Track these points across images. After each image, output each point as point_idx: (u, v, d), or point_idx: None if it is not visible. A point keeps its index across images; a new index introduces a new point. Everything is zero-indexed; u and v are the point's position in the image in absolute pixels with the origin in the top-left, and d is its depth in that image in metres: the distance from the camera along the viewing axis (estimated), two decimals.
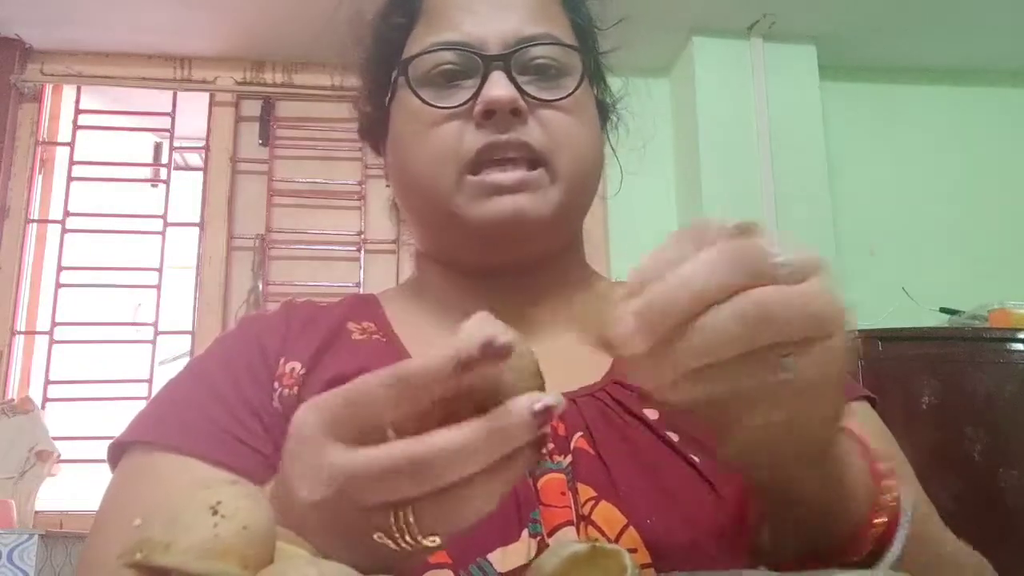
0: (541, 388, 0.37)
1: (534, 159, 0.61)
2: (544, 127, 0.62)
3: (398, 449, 0.34)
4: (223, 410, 0.58)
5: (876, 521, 0.42)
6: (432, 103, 0.63)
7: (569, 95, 0.63)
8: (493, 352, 0.34)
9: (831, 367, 0.37)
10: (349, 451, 0.35)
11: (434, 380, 0.35)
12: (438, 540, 0.36)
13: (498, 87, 0.60)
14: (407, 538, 0.35)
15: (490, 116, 0.61)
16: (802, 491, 0.42)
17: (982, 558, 0.54)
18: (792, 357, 0.35)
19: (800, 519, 0.44)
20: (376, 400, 0.36)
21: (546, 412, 0.34)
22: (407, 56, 0.65)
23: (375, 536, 0.35)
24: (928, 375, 1.84)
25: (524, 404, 0.34)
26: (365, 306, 0.70)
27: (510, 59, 0.62)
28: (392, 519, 0.35)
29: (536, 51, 0.63)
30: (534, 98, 0.62)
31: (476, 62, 0.62)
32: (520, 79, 0.62)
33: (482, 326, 0.37)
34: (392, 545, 0.35)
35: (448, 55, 0.63)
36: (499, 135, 0.61)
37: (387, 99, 0.69)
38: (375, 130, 0.72)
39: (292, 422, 0.38)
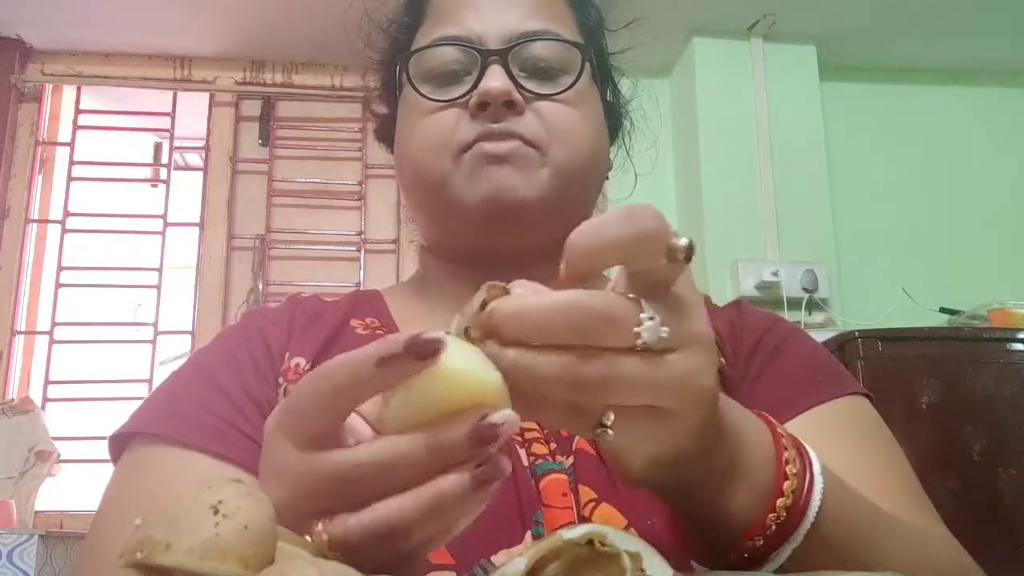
0: (504, 401, 0.34)
1: (527, 144, 0.62)
2: (542, 119, 0.63)
3: (331, 462, 0.34)
4: (225, 402, 0.58)
5: (768, 519, 0.40)
6: (430, 96, 0.64)
7: (566, 89, 0.64)
8: (419, 349, 0.32)
9: (672, 441, 0.36)
10: (301, 456, 0.35)
11: (356, 381, 0.33)
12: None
13: (493, 79, 0.61)
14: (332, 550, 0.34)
15: (484, 107, 0.61)
16: (684, 502, 0.41)
17: (952, 552, 0.52)
18: (609, 426, 0.34)
19: (691, 521, 0.43)
20: (308, 408, 0.35)
21: (489, 430, 0.32)
22: (409, 51, 0.67)
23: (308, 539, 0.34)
24: (928, 375, 1.84)
25: (468, 419, 0.33)
26: (369, 302, 0.71)
27: (507, 54, 0.63)
28: (322, 526, 0.34)
29: (536, 47, 0.64)
30: (530, 91, 0.63)
31: (475, 57, 0.63)
32: (519, 74, 0.63)
33: (484, 294, 0.35)
34: (326, 553, 0.34)
35: (450, 51, 0.64)
36: (492, 124, 0.62)
37: (396, 95, 0.70)
38: (388, 130, 0.73)
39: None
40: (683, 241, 0.34)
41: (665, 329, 0.34)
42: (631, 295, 0.35)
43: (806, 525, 0.40)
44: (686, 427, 0.36)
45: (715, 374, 0.37)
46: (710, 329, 0.37)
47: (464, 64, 0.64)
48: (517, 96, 0.62)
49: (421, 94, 0.64)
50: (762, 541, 0.40)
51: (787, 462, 0.40)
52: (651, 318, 0.34)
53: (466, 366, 0.33)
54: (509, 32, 0.64)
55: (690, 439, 0.37)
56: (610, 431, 0.34)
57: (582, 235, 0.34)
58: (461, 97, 0.63)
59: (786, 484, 0.40)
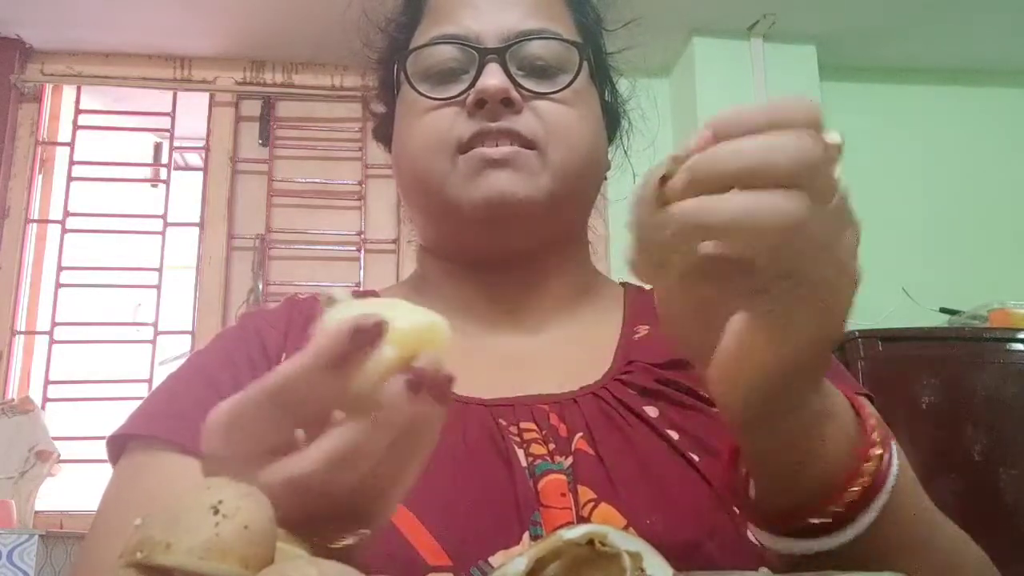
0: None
1: (526, 145, 0.62)
2: (540, 118, 0.63)
3: (279, 471, 0.34)
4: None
5: (851, 488, 0.40)
6: (427, 94, 0.64)
7: (564, 88, 0.64)
8: (366, 334, 0.33)
9: (839, 268, 0.36)
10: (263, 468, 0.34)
11: (307, 385, 0.34)
12: (351, 540, 0.35)
13: (491, 78, 0.61)
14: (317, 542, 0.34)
15: (481, 105, 0.61)
16: (780, 437, 0.41)
17: (982, 553, 0.53)
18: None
19: (777, 471, 0.43)
20: (253, 422, 0.35)
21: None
22: (407, 50, 0.67)
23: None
24: (928, 375, 1.84)
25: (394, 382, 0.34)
26: None
27: (505, 52, 0.63)
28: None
29: (534, 46, 0.64)
30: (528, 90, 0.63)
31: (473, 55, 0.63)
32: (517, 73, 0.63)
33: (343, 313, 0.35)
34: (309, 549, 0.34)
35: (448, 49, 0.64)
36: (490, 123, 0.62)
37: (394, 94, 0.70)
38: (386, 129, 0.73)
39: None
40: (835, 137, 0.37)
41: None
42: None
43: (889, 485, 0.41)
44: (831, 306, 0.36)
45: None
46: None
47: (462, 62, 0.64)
48: (515, 94, 0.62)
49: (419, 92, 0.64)
50: (858, 492, 0.40)
51: (873, 427, 0.42)
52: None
53: (407, 324, 0.35)
54: (507, 31, 0.64)
55: (829, 327, 0.37)
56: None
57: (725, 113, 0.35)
58: (458, 95, 0.63)
59: (875, 435, 0.42)
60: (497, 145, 0.61)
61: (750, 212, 0.33)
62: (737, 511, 0.49)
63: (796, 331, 0.37)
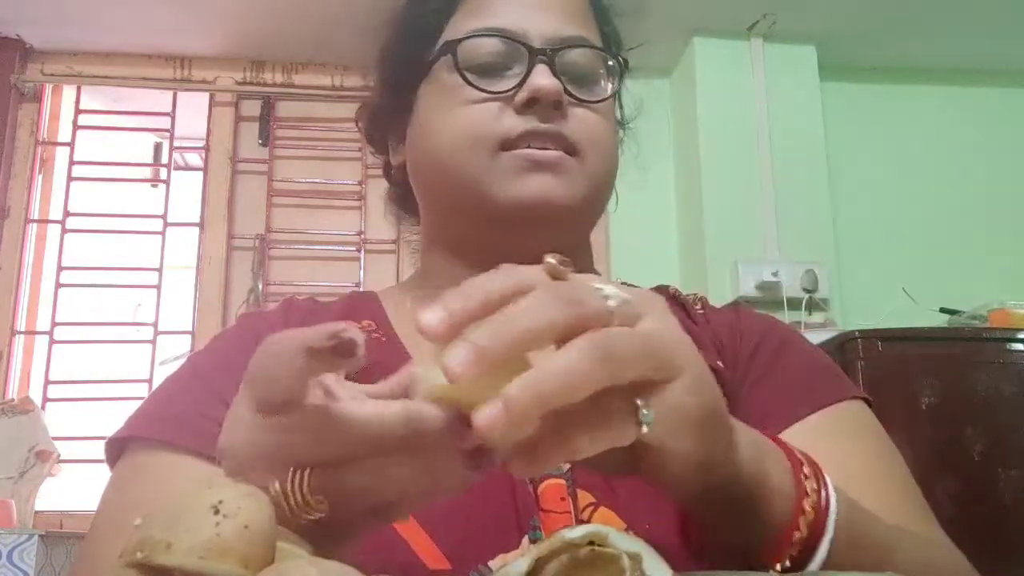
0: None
1: (569, 149, 0.63)
2: (580, 124, 0.63)
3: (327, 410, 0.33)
4: (220, 405, 0.58)
5: (794, 537, 0.40)
6: (479, 85, 0.63)
7: (607, 98, 0.66)
8: (338, 346, 0.32)
9: (688, 407, 0.35)
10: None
11: (287, 378, 0.33)
12: (319, 512, 0.34)
13: (545, 77, 0.61)
14: (297, 496, 0.34)
15: (532, 104, 0.61)
16: (715, 507, 0.40)
17: (962, 558, 0.52)
18: (644, 400, 0.34)
19: (725, 526, 0.42)
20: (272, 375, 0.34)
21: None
22: (453, 39, 0.65)
23: (271, 491, 0.34)
24: (928, 375, 1.83)
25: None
26: (365, 304, 0.70)
27: (555, 55, 0.63)
28: (291, 476, 0.34)
29: (575, 53, 0.65)
30: (575, 97, 0.64)
31: (521, 53, 0.63)
32: (562, 77, 0.63)
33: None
34: (283, 503, 0.34)
35: (495, 43, 0.64)
36: (540, 123, 0.62)
37: (418, 83, 0.68)
38: (391, 120, 0.72)
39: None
40: (550, 260, 0.36)
41: (625, 295, 0.35)
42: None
43: (832, 518, 0.40)
44: (698, 387, 0.36)
45: (681, 330, 0.37)
46: (654, 294, 0.38)
47: (507, 58, 0.63)
48: (565, 98, 0.62)
49: (469, 83, 0.63)
50: (805, 532, 0.40)
51: (805, 476, 0.41)
52: (605, 293, 0.35)
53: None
54: (551, 34, 0.64)
55: (706, 413, 0.37)
56: (645, 411, 0.34)
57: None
58: (508, 91, 0.62)
59: (807, 484, 0.40)
60: (544, 147, 0.61)
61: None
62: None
63: (680, 433, 0.36)
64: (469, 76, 0.63)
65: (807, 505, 0.40)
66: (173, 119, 2.64)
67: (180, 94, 2.64)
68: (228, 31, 2.49)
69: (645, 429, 0.34)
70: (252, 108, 2.65)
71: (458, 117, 0.63)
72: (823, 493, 0.41)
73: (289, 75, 2.64)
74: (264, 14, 2.39)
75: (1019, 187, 2.75)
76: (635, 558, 0.35)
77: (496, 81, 0.63)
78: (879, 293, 2.49)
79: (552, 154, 0.61)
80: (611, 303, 0.34)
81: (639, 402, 0.34)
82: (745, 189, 2.50)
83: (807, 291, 2.37)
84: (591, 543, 0.36)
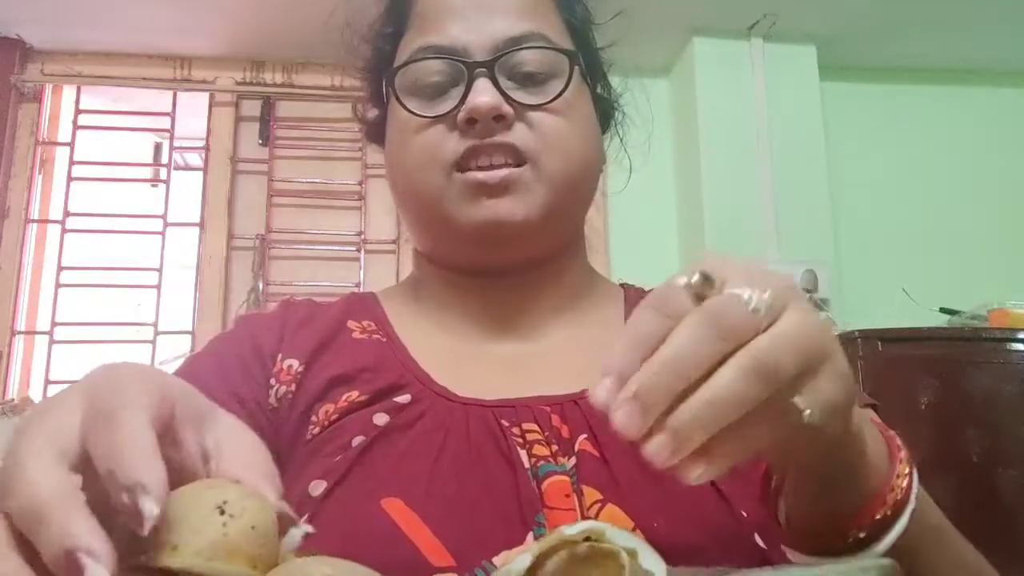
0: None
1: (519, 159, 0.61)
2: (533, 129, 0.62)
3: None
4: None
5: (877, 516, 0.42)
6: (417, 112, 0.63)
7: (554, 99, 0.62)
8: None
9: (842, 383, 0.37)
10: None
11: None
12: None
13: (481, 94, 0.60)
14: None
15: (473, 123, 0.60)
16: (817, 479, 0.42)
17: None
18: (802, 397, 0.35)
19: (811, 500, 0.44)
20: None
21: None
22: (395, 65, 0.65)
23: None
24: (928, 375, 1.84)
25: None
26: (365, 305, 0.70)
27: (494, 65, 0.61)
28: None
29: (523, 55, 0.63)
30: (519, 103, 0.62)
31: (461, 69, 0.62)
32: (506, 84, 0.62)
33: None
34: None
35: (435, 63, 0.63)
36: (481, 140, 0.61)
37: (385, 105, 0.69)
38: (379, 133, 0.72)
39: None
40: (694, 281, 0.36)
41: (766, 297, 0.35)
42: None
43: (911, 505, 0.43)
44: (842, 372, 0.37)
45: (817, 313, 0.38)
46: (785, 279, 0.38)
47: (451, 76, 0.63)
48: (507, 109, 0.61)
49: (408, 110, 0.63)
50: (889, 510, 0.42)
51: (901, 456, 0.44)
52: (751, 305, 0.35)
53: None
54: (495, 40, 0.62)
55: (850, 396, 0.38)
56: (807, 411, 0.35)
57: None
58: (449, 112, 0.62)
59: (900, 464, 0.43)
60: (491, 163, 0.61)
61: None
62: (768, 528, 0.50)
63: (834, 409, 0.37)
64: (411, 103, 0.63)
65: (900, 481, 0.43)
66: (173, 119, 2.64)
67: (180, 94, 2.64)
68: (228, 31, 2.49)
69: (806, 419, 0.35)
70: (252, 108, 2.65)
71: (410, 144, 0.63)
72: (911, 475, 0.43)
73: (289, 75, 2.64)
74: (264, 14, 2.39)
75: (1019, 187, 2.75)
76: (632, 554, 0.35)
77: (440, 102, 0.62)
78: (879, 293, 2.49)
79: (498, 174, 0.60)
80: (759, 312, 0.35)
81: (797, 400, 0.35)
82: (745, 189, 2.50)
83: (807, 291, 2.37)
84: (588, 539, 0.36)
